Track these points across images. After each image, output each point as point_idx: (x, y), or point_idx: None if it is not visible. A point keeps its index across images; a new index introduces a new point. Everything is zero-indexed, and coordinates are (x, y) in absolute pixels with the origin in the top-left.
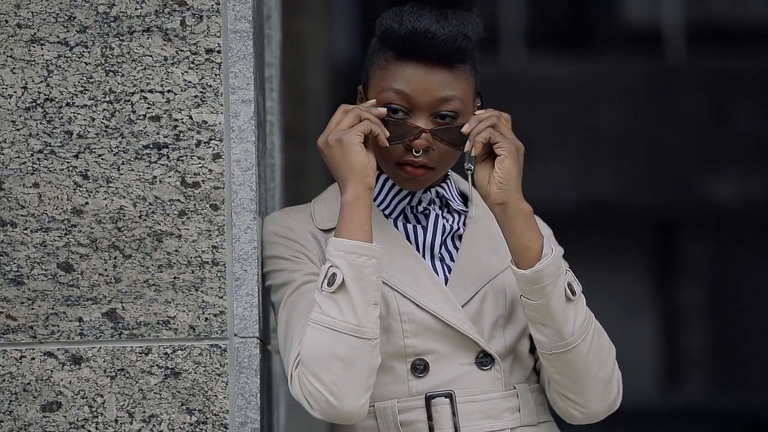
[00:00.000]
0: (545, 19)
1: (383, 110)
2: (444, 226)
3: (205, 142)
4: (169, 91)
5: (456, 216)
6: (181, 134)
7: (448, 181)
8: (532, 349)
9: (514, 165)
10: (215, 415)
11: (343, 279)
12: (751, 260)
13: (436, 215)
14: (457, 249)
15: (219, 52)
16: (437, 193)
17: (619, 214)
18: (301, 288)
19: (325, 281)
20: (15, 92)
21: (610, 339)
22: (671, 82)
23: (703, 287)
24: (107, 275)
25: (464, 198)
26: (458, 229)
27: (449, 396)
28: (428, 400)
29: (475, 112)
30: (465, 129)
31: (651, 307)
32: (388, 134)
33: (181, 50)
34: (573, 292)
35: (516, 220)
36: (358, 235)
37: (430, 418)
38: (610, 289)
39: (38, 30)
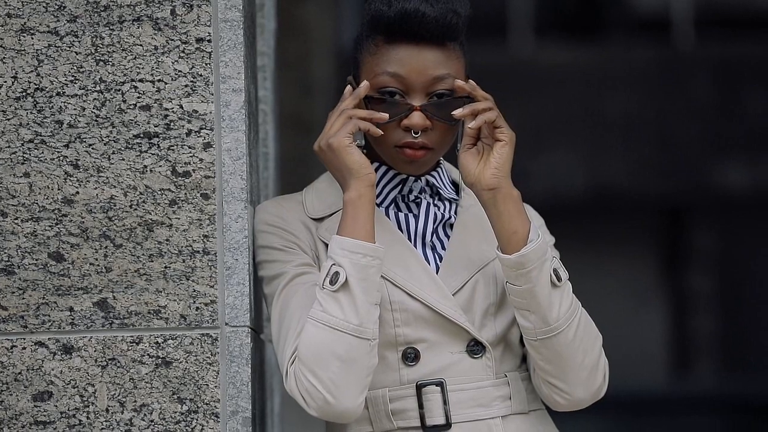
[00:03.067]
0: (554, 6)
1: (384, 115)
2: (435, 214)
3: (195, 132)
4: (159, 80)
5: (447, 204)
6: (172, 124)
7: (440, 170)
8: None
9: (511, 152)
10: (206, 404)
11: (347, 278)
12: (761, 246)
13: (428, 204)
14: (448, 237)
15: (209, 41)
16: (428, 181)
17: (628, 201)
18: (294, 281)
19: (327, 279)
20: (5, 82)
21: (598, 329)
22: (680, 69)
23: (712, 274)
24: (98, 265)
25: (455, 186)
26: (449, 217)
27: (440, 384)
28: (419, 388)
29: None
30: (457, 113)
31: (660, 293)
32: (386, 117)
33: (172, 39)
34: (559, 278)
35: (506, 204)
36: (361, 234)
37: (421, 406)
38: (620, 276)
39: (28, 19)
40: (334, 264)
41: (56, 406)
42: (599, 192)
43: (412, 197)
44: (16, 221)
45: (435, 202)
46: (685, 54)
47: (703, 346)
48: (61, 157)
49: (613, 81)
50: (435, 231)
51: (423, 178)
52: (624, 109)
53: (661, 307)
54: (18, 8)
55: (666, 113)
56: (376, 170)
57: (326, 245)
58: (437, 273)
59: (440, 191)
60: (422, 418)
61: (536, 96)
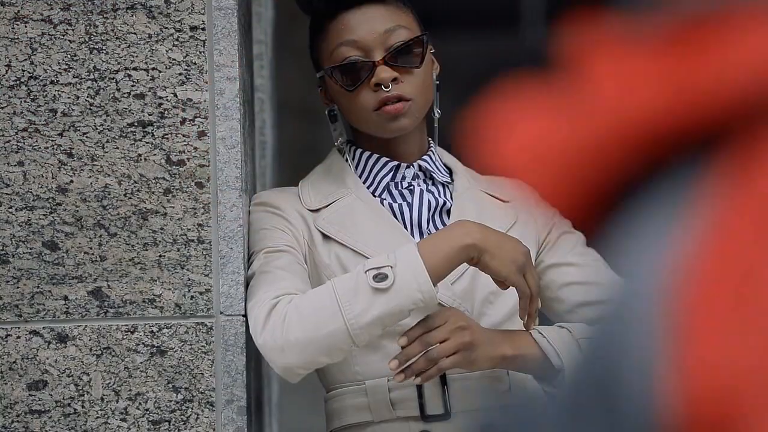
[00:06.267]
0: None
1: None
2: (429, 201)
3: (189, 120)
4: (153, 68)
5: (441, 188)
6: (166, 112)
7: (431, 153)
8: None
9: (468, 364)
10: (201, 393)
11: (389, 292)
12: None
13: (421, 191)
14: (444, 224)
15: (203, 29)
16: (420, 166)
17: None
18: (280, 252)
19: (376, 270)
20: None
21: None
22: None
23: None
24: (92, 253)
25: (449, 170)
26: (445, 203)
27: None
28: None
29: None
30: (392, 365)
31: None
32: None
33: (166, 27)
34: None
35: (509, 367)
36: (437, 272)
37: (420, 396)
38: None
39: (22, 8)
40: (392, 267)
41: (51, 395)
42: None
43: (405, 184)
44: (10, 210)
45: (428, 187)
46: None
47: None
48: (55, 146)
49: None
50: (431, 219)
51: (415, 164)
52: None
53: None
54: None
55: None
56: (368, 159)
57: (323, 235)
58: None
59: (433, 175)
60: (422, 407)
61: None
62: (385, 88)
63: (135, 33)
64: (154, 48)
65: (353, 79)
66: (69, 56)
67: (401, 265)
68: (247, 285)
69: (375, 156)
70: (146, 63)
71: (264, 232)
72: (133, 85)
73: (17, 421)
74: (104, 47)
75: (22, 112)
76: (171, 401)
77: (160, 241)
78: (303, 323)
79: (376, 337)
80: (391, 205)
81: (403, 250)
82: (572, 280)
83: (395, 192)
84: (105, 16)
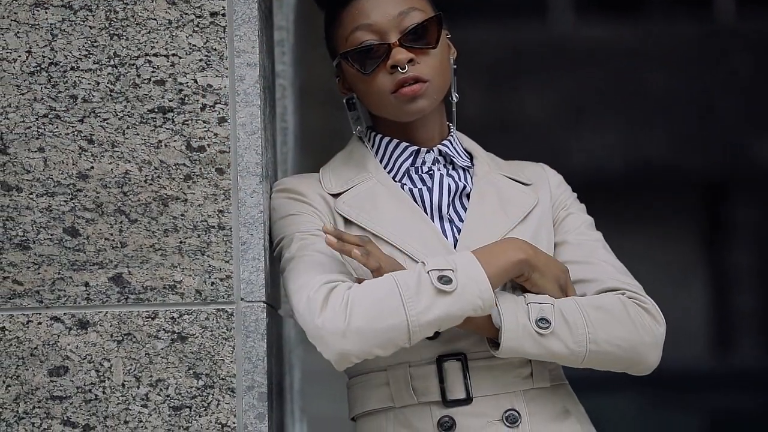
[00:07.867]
0: None
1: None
2: (449, 185)
3: (210, 106)
4: (173, 54)
5: (461, 173)
6: (186, 98)
7: (451, 138)
8: None
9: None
10: (222, 379)
11: (451, 295)
12: None
13: (441, 175)
14: (464, 208)
15: (224, 15)
16: (440, 151)
17: (668, 177)
18: (315, 237)
19: (439, 272)
20: (19, 56)
21: (612, 304)
22: (721, 44)
23: (754, 250)
24: (113, 240)
25: (469, 154)
26: (464, 186)
27: (461, 358)
28: (440, 362)
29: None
30: (327, 240)
31: (701, 270)
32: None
33: (186, 13)
34: (545, 326)
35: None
36: (493, 282)
37: (441, 381)
38: (660, 253)
39: None
40: (454, 271)
41: (72, 381)
42: (639, 168)
43: (425, 169)
44: (31, 196)
45: (449, 172)
46: (726, 29)
47: (746, 323)
48: (76, 132)
49: (654, 56)
50: (451, 203)
51: (435, 149)
52: (665, 84)
53: (703, 284)
54: None
55: (707, 88)
56: (387, 144)
57: (344, 218)
58: (455, 247)
59: (454, 159)
60: (443, 392)
61: (576, 73)
62: (401, 69)
63: (155, 19)
64: (174, 34)
65: (369, 62)
66: (89, 42)
67: (462, 270)
68: (269, 272)
69: (395, 141)
70: (166, 49)
71: (292, 217)
72: (153, 71)
73: (38, 407)
74: (124, 33)
75: (42, 99)
76: (192, 387)
77: (180, 228)
78: (367, 312)
79: None
80: (411, 190)
81: (461, 257)
82: (564, 259)
83: (415, 177)
84: (125, 2)
